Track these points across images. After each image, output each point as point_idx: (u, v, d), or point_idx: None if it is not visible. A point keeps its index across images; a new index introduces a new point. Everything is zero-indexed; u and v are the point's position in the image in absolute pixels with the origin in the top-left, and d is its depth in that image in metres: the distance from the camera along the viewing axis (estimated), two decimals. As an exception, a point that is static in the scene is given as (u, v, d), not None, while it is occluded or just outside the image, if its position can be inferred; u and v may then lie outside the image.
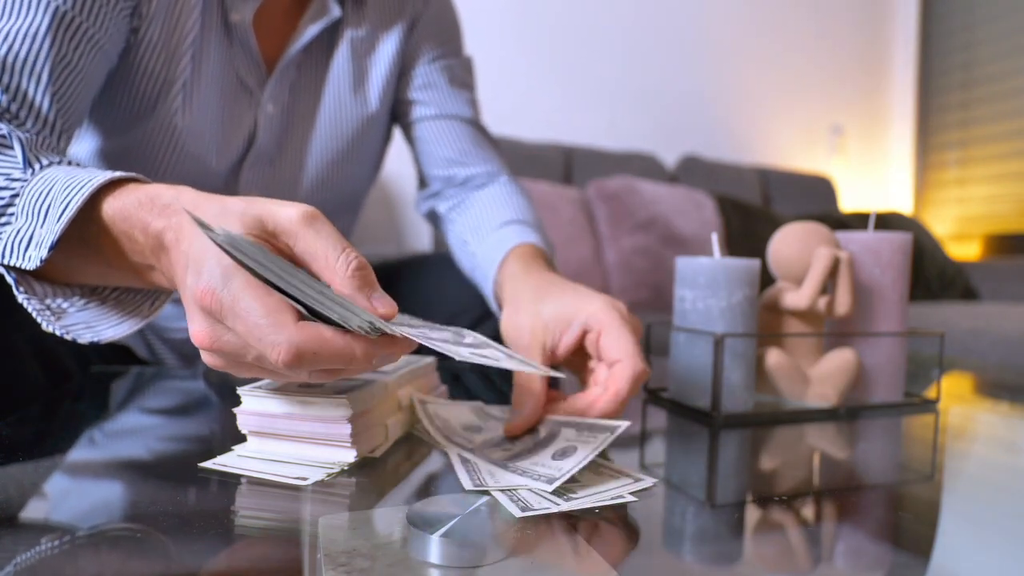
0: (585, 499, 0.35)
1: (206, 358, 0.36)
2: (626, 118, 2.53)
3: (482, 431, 0.46)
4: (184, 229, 0.37)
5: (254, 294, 0.32)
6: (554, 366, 0.50)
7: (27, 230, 0.44)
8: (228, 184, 0.73)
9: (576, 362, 0.51)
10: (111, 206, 0.42)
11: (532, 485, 0.35)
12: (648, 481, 0.38)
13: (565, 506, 0.33)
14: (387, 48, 0.78)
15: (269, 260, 0.32)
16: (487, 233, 0.72)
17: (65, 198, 0.42)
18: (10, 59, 0.52)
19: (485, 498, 0.31)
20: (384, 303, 0.35)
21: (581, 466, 0.36)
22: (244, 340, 0.33)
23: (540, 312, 0.49)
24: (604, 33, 2.48)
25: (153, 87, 0.65)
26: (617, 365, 0.44)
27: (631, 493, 0.36)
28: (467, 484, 0.36)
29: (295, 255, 0.36)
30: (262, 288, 0.32)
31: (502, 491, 0.35)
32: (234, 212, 0.36)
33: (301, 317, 0.33)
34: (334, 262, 0.34)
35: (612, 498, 0.35)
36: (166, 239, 0.39)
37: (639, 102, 2.55)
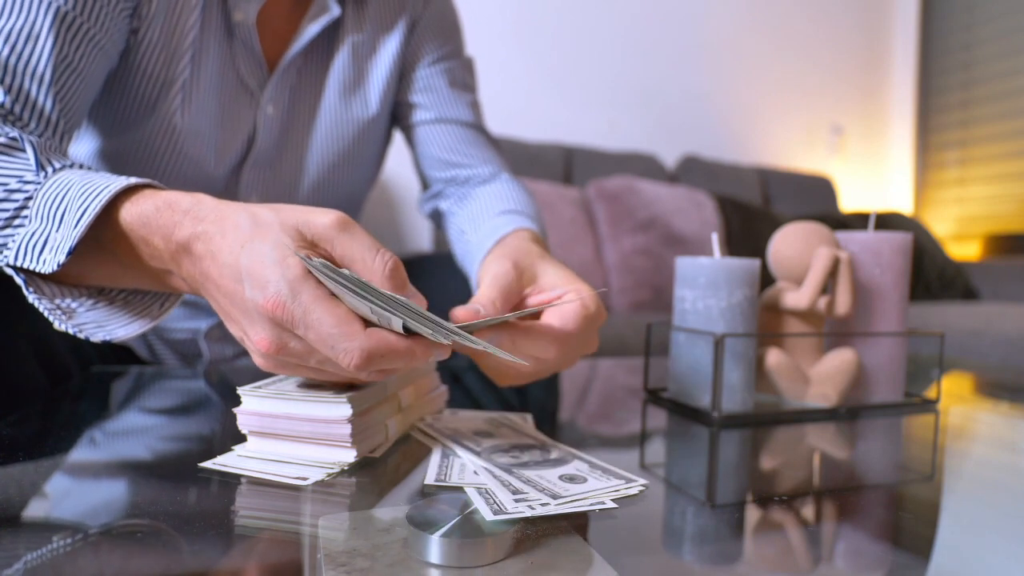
0: (564, 504, 0.33)
1: (260, 361, 0.38)
2: (626, 118, 2.53)
3: (493, 437, 0.46)
4: (215, 240, 0.38)
5: (324, 307, 0.34)
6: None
7: (41, 233, 0.44)
8: (228, 187, 0.73)
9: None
10: (129, 212, 0.42)
11: (533, 496, 0.34)
12: (636, 486, 0.36)
13: (540, 511, 0.32)
14: (387, 50, 0.78)
15: (361, 282, 0.35)
16: (484, 221, 0.72)
17: (82, 203, 0.42)
18: (12, 60, 0.52)
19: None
20: (417, 299, 0.38)
21: (582, 504, 0.33)
22: (311, 347, 0.35)
23: (516, 262, 0.51)
24: (604, 34, 2.48)
25: (152, 88, 0.65)
26: (567, 304, 0.46)
27: (614, 500, 0.34)
28: (430, 478, 0.36)
29: (334, 260, 0.38)
30: (330, 300, 0.35)
31: (478, 492, 0.34)
32: (269, 223, 0.37)
33: (366, 324, 0.35)
34: (371, 263, 0.37)
35: (591, 504, 0.33)
36: (195, 248, 0.39)
37: (639, 102, 2.55)
